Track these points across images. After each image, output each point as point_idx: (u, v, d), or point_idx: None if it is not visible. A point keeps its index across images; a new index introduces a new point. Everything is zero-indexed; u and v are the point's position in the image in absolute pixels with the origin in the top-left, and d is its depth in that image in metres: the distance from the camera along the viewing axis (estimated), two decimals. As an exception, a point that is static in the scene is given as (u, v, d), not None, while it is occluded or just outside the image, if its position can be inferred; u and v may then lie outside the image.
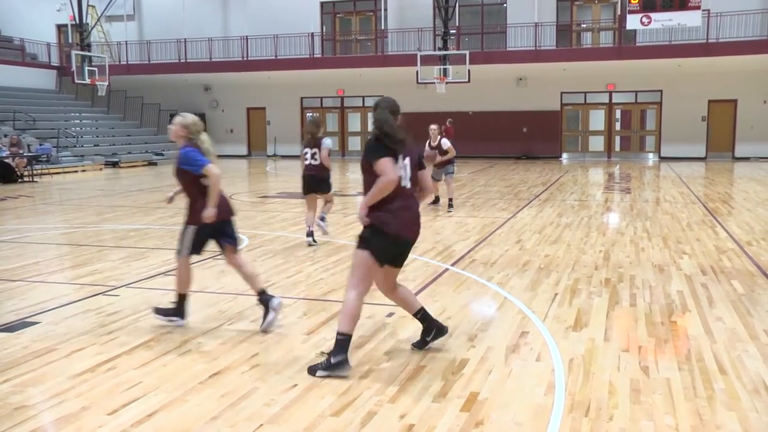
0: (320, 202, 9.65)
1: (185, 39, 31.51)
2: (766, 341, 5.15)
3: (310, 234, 9.29)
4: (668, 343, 5.20)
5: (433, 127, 12.97)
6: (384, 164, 4.50)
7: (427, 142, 12.73)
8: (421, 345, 5.02)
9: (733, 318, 5.78)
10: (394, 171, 4.52)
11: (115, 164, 26.51)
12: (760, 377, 4.47)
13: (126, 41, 32.73)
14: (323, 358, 4.63)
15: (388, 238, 4.60)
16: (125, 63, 32.57)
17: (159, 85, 32.98)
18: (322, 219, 9.60)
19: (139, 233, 10.55)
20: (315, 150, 9.24)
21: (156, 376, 4.55)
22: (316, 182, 9.31)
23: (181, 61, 31.79)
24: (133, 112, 33.01)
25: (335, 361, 4.47)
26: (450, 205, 12.90)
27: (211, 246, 8.83)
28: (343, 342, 4.51)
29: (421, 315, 5.00)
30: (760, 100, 27.82)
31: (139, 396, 4.21)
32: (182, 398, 4.18)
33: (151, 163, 28.05)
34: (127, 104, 33.13)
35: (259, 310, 5.66)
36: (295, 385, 4.37)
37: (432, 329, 4.99)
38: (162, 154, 29.13)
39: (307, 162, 9.28)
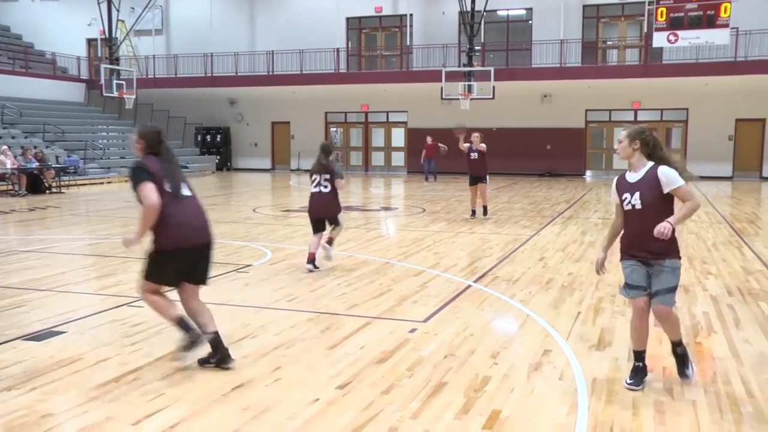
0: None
1: (212, 53, 31.86)
2: (793, 364, 5.07)
3: (311, 261, 8.56)
4: (694, 364, 5.13)
5: (476, 134, 14.32)
6: (144, 189, 4.63)
7: (468, 146, 14.06)
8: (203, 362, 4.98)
9: (761, 340, 5.70)
10: (155, 195, 4.63)
11: (140, 176, 26.76)
12: (788, 401, 4.41)
13: (154, 55, 33.16)
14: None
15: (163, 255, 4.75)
16: (152, 77, 32.97)
17: (185, 98, 33.34)
18: (329, 243, 8.86)
19: (164, 245, 10.63)
20: (326, 175, 8.89)
21: (179, 387, 4.58)
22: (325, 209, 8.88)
23: (208, 75, 32.13)
24: (160, 125, 33.17)
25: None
26: (485, 212, 14.17)
27: (235, 258, 8.88)
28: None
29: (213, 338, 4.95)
30: (787, 119, 27.47)
31: (162, 407, 4.24)
32: (205, 410, 4.20)
33: (177, 176, 28.28)
34: (154, 117, 33.49)
35: (283, 324, 5.66)
36: (318, 399, 4.38)
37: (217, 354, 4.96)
38: (187, 167, 29.38)
39: (316, 190, 8.90)
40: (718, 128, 28.06)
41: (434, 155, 25.34)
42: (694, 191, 4.52)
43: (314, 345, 5.51)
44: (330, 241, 8.87)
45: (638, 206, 4.58)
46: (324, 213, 8.91)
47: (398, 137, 32.91)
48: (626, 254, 4.67)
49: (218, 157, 33.56)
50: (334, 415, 4.14)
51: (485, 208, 14.24)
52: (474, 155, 13.99)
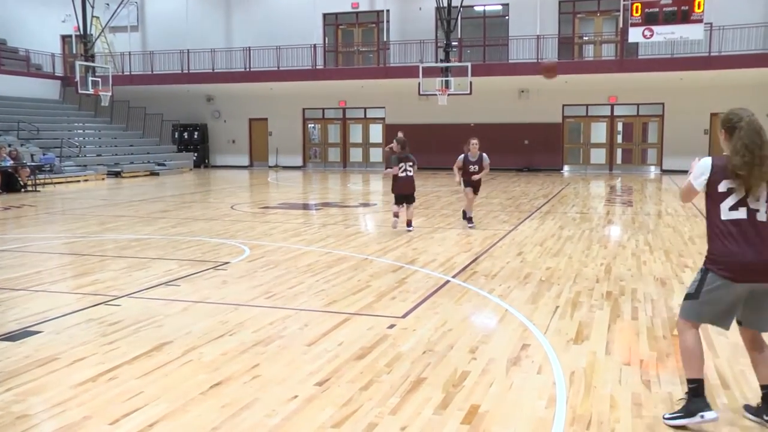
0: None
1: (188, 50, 31.63)
2: None
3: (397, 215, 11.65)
4: (670, 357, 5.19)
5: (473, 141, 12.14)
6: None
7: (464, 155, 12.09)
8: None
9: (735, 332, 5.71)
10: None
11: (117, 174, 26.56)
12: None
13: (129, 52, 32.84)
14: None
15: None
16: (128, 73, 32.67)
17: (162, 95, 33.08)
18: (409, 225, 11.59)
19: (141, 243, 10.57)
20: (410, 163, 11.60)
21: (157, 386, 4.55)
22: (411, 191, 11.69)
23: (184, 71, 31.90)
24: (136, 122, 33.12)
25: None
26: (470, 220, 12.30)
27: (212, 256, 8.86)
28: None
29: None
30: (762, 113, 27.47)
31: (140, 406, 4.21)
32: (183, 408, 4.18)
33: (153, 174, 28.10)
34: (130, 114, 33.25)
35: (262, 321, 5.65)
36: (296, 396, 4.37)
37: None
38: (164, 165, 29.21)
39: (403, 174, 11.52)
40: (694, 122, 28.36)
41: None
42: (682, 190, 4.09)
43: (293, 342, 5.50)
44: (409, 223, 11.61)
45: None
46: (410, 190, 11.69)
47: (376, 133, 32.90)
48: None
49: (196, 154, 33.33)
50: (312, 412, 4.13)
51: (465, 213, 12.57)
52: (474, 168, 12.03)
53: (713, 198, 3.85)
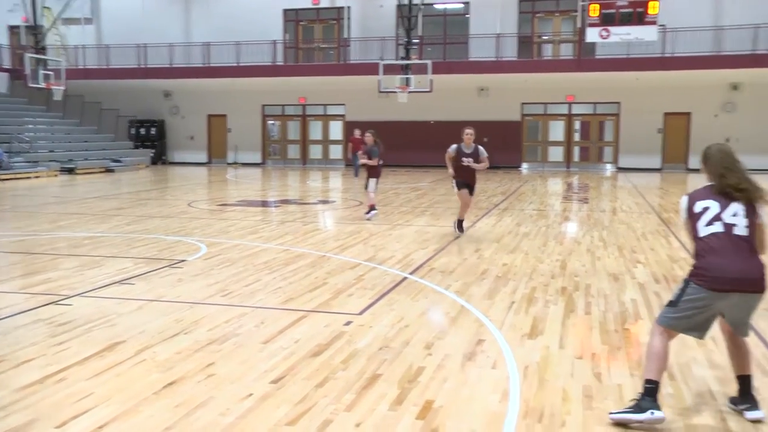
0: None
1: (145, 44, 31.17)
2: (712, 348, 5.25)
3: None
4: (621, 350, 5.29)
5: (468, 131, 10.94)
6: None
7: (456, 146, 10.88)
8: None
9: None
10: None
11: (70, 171, 26.03)
12: (706, 382, 4.59)
13: (83, 45, 32.21)
14: None
15: None
16: (83, 67, 32.05)
17: (118, 90, 32.56)
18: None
19: (95, 241, 10.39)
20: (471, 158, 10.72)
21: (108, 386, 4.47)
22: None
23: (141, 66, 31.43)
24: (91, 118, 32.50)
25: None
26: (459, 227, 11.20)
27: (168, 254, 8.76)
28: None
29: None
30: (711, 114, 28.46)
31: (90, 407, 4.13)
32: (135, 409, 4.12)
33: (109, 170, 27.63)
34: (85, 109, 32.63)
35: (217, 319, 5.60)
36: (251, 394, 4.35)
37: None
38: (120, 161, 28.75)
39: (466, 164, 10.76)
40: (648, 121, 28.89)
41: (362, 149, 23.78)
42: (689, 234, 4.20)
43: (248, 340, 5.46)
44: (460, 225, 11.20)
45: None
46: (473, 181, 11.08)
47: (336, 130, 32.84)
48: None
49: (153, 150, 32.88)
50: (267, 410, 4.11)
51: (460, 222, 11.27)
52: (469, 161, 10.82)
53: (692, 219, 4.10)
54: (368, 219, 12.68)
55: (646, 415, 3.87)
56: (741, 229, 3.94)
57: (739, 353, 4.15)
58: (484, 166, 10.98)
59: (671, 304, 4.07)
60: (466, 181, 10.89)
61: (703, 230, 4.00)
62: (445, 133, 30.09)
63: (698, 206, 4.06)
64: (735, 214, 3.96)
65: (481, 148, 11.01)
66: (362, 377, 4.64)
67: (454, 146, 10.95)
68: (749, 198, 3.98)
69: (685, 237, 10.83)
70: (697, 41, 26.31)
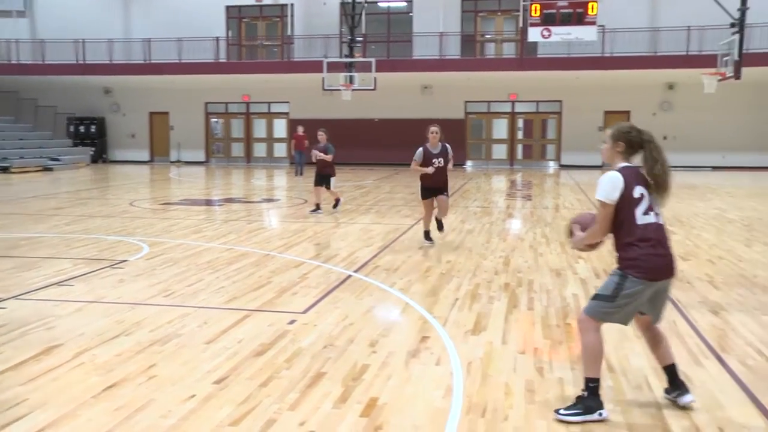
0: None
1: (83, 39, 30.42)
2: (651, 341, 5.41)
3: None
4: (562, 344, 5.39)
5: (433, 129, 9.97)
6: None
7: (422, 148, 9.88)
8: None
9: (623, 319, 6.03)
10: None
11: (5, 170, 25.21)
12: (643, 374, 4.71)
13: (17, 39, 31.23)
14: None
15: None
16: (16, 62, 31.09)
17: (55, 86, 31.71)
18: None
19: (31, 242, 10.11)
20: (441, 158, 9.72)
21: (44, 391, 4.36)
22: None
23: (80, 62, 30.66)
24: (26, 115, 31.55)
25: None
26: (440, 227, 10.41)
27: (109, 254, 8.60)
28: None
29: None
30: (649, 112, 29.22)
31: (24, 414, 4.01)
32: (73, 413, 4.02)
33: (47, 169, 26.87)
34: (20, 106, 31.66)
35: (159, 320, 5.50)
36: (193, 395, 4.29)
37: None
38: (58, 159, 28.00)
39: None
40: (589, 120, 29.48)
41: (304, 147, 23.35)
42: (599, 217, 4.04)
43: (191, 340, 5.39)
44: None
45: None
46: (445, 184, 9.88)
47: (280, 128, 32.63)
48: None
49: (93, 148, 32.13)
50: (210, 411, 4.07)
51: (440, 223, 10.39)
52: (438, 162, 9.81)
53: (629, 204, 3.96)
54: (337, 212, 13.49)
55: (595, 416, 3.95)
56: (662, 218, 4.05)
57: (661, 344, 4.23)
58: (450, 166, 9.95)
59: (607, 298, 4.03)
60: (436, 185, 9.74)
61: (641, 218, 3.96)
62: (389, 130, 30.45)
63: (637, 191, 3.97)
64: (657, 204, 4.04)
65: (447, 146, 9.90)
66: (306, 376, 4.63)
67: (419, 150, 9.78)
68: (661, 192, 4.03)
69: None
70: (634, 42, 27.03)
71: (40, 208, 14.32)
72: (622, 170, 4.02)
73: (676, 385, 4.19)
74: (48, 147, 29.44)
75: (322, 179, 13.33)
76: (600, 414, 3.96)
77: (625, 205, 3.97)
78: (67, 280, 7.51)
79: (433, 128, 9.93)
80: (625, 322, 4.14)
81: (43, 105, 31.82)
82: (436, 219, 10.19)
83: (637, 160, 4.08)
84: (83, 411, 4.06)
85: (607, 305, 4.02)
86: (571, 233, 4.35)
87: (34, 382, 4.52)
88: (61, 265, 8.32)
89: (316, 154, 13.29)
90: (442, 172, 9.75)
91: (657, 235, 3.99)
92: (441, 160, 9.74)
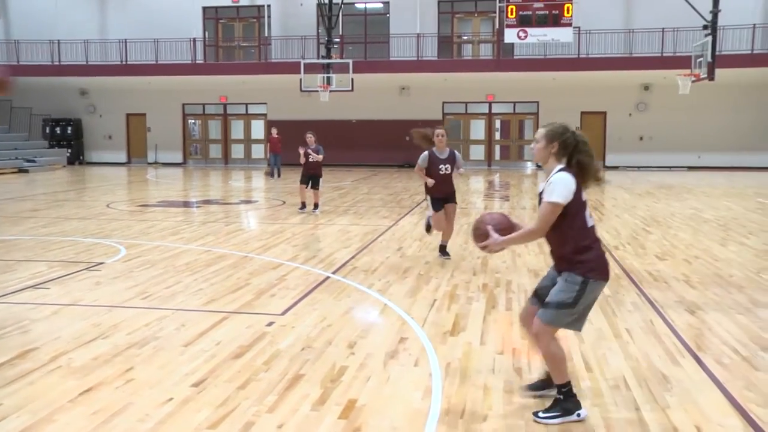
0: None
1: (59, 40, 30.11)
2: (627, 339, 5.46)
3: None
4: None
5: (439, 131, 8.86)
6: None
7: (427, 153, 8.92)
8: None
9: (600, 318, 6.10)
10: None
11: (-20, 171, 24.93)
12: (621, 373, 4.75)
13: (-9, 40, 30.87)
14: None
15: None
16: (-10, 64, 30.72)
17: (30, 87, 31.28)
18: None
19: (6, 245, 9.99)
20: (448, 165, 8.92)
21: (19, 396, 4.31)
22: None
23: (55, 63, 30.34)
24: (1, 116, 31.14)
25: None
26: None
27: (86, 256, 8.53)
28: None
29: None
30: (625, 113, 29.51)
31: (-1, 418, 3.98)
32: (49, 418, 3.98)
33: (22, 170, 26.56)
34: (-7, 108, 31.29)
35: (137, 323, 5.46)
36: (171, 399, 4.26)
37: None
38: (34, 161, 27.69)
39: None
40: (566, 120, 29.19)
41: (279, 150, 23.58)
42: (545, 219, 3.94)
43: (168, 343, 5.36)
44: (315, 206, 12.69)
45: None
46: (452, 192, 9.26)
47: (258, 129, 32.51)
48: None
49: (69, 150, 31.82)
50: (188, 414, 4.05)
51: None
52: (445, 168, 8.94)
53: (578, 208, 3.95)
54: (317, 213, 13.53)
55: (573, 417, 3.98)
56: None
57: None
58: (459, 174, 9.23)
59: (567, 305, 3.93)
60: (444, 195, 9.02)
61: (590, 221, 4.00)
62: (367, 131, 30.45)
63: (583, 194, 3.98)
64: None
65: (456, 152, 9.15)
66: (284, 378, 4.62)
67: (424, 154, 8.84)
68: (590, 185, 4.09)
69: (602, 232, 11.18)
70: (610, 43, 27.29)
71: (15, 211, 14.15)
72: (569, 171, 4.00)
73: (549, 381, 4.20)
74: (23, 149, 29.12)
75: (311, 179, 13.60)
76: (578, 415, 3.98)
77: (577, 207, 3.95)
78: (43, 282, 7.44)
79: (439, 131, 8.85)
80: (581, 328, 4.15)
81: (18, 106, 31.43)
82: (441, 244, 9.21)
83: (564, 161, 4.05)
84: (60, 415, 4.02)
85: (568, 312, 3.96)
86: (483, 236, 4.10)
87: (10, 386, 4.47)
88: (36, 267, 8.23)
89: (314, 156, 13.49)
90: (449, 180, 8.99)
91: (597, 237, 4.08)
92: (448, 166, 8.90)
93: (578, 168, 4.02)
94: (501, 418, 4.02)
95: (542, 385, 4.31)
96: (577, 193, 3.96)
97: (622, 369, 4.83)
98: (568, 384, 4.03)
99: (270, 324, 5.87)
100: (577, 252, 3.96)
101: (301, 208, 13.74)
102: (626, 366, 4.88)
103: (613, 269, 8.33)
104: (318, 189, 13.75)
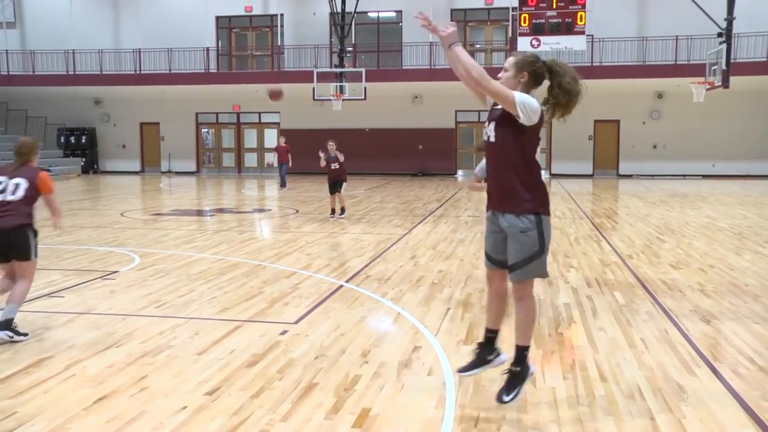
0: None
1: (74, 50, 30.38)
2: (642, 349, 5.42)
3: None
4: (555, 353, 5.39)
5: (331, 143, 13.87)
6: None
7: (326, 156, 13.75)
8: None
9: (614, 327, 6.06)
10: None
11: (-4, 180, 25.09)
12: (636, 383, 4.71)
13: (6, 50, 31.15)
14: None
15: None
16: (6, 73, 30.97)
17: (45, 97, 31.64)
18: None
19: (21, 253, 10.04)
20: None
21: (34, 404, 4.33)
22: None
23: (70, 72, 30.59)
24: (16, 126, 31.42)
25: None
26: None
27: (100, 265, 8.56)
28: None
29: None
30: (639, 121, 29.41)
31: (13, 427, 3.98)
32: (63, 426, 4.00)
33: (36, 180, 26.73)
34: (9, 117, 31.57)
35: (151, 331, 5.49)
36: (185, 407, 4.27)
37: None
38: (49, 170, 27.85)
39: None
40: (579, 128, 29.58)
41: (286, 159, 22.93)
42: (498, 87, 3.97)
43: (182, 351, 5.37)
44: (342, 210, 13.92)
45: (492, 139, 4.08)
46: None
47: (271, 138, 32.60)
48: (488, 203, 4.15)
49: (84, 159, 32.05)
50: (202, 422, 4.05)
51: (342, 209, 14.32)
52: (335, 165, 13.96)
53: (533, 144, 3.99)
54: (344, 218, 14.15)
55: (529, 380, 4.19)
56: None
57: (500, 307, 4.40)
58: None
59: (539, 253, 3.92)
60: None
61: (538, 156, 4.06)
62: (380, 140, 30.49)
63: (541, 132, 4.03)
64: None
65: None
66: (298, 387, 4.62)
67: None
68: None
69: (616, 241, 11.14)
70: (623, 51, 27.21)
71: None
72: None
73: (492, 348, 4.32)
74: (39, 158, 29.26)
75: (337, 186, 14.10)
76: (532, 374, 4.17)
77: (534, 140, 3.98)
78: (58, 291, 7.48)
79: (331, 142, 13.23)
80: (548, 273, 4.21)
81: (33, 116, 31.72)
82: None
83: (536, 93, 3.98)
84: (74, 424, 4.04)
85: (541, 259, 3.99)
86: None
87: (24, 394, 4.49)
88: (51, 276, 8.28)
89: (334, 163, 14.06)
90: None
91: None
92: (337, 164, 12.79)
93: (561, 91, 4.06)
94: (515, 429, 4.00)
95: (488, 353, 4.36)
96: (538, 125, 3.94)
97: (636, 378, 4.79)
98: (528, 348, 4.13)
99: (283, 333, 5.87)
100: (532, 188, 3.95)
101: (331, 215, 14.26)
102: (641, 375, 4.84)
103: (627, 278, 8.29)
104: (340, 192, 14.15)
